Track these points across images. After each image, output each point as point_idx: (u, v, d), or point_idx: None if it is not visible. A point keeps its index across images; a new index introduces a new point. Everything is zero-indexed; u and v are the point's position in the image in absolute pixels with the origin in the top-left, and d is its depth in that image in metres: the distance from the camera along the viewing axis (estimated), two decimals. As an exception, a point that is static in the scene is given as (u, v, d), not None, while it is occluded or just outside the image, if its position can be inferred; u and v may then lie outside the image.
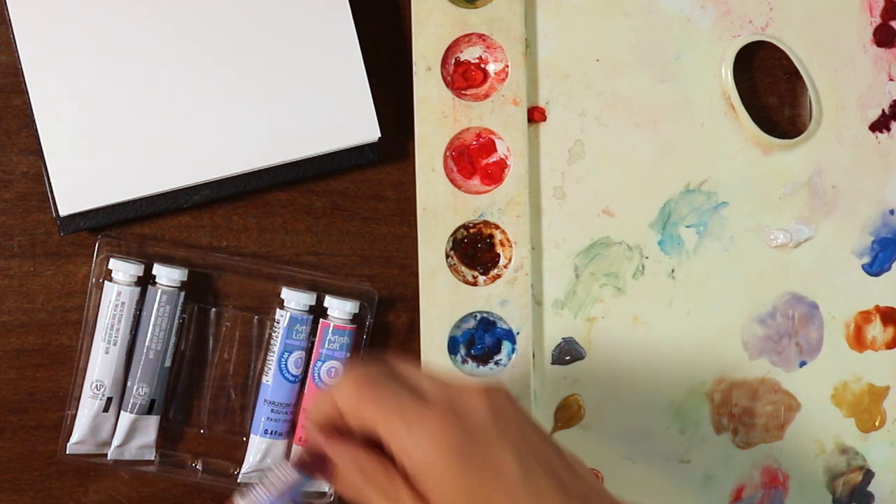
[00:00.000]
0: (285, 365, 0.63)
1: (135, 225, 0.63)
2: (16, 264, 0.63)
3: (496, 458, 0.48)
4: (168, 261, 0.62)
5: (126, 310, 0.61)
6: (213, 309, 0.64)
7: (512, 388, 0.66)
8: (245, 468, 0.63)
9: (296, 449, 0.63)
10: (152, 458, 0.63)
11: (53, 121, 0.60)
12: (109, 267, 0.61)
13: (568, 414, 0.68)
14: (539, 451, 0.50)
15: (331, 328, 0.63)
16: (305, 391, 0.64)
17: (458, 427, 0.48)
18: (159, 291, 0.61)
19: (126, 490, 0.63)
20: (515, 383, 0.66)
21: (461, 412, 0.49)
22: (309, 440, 0.51)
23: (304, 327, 0.63)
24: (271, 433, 0.63)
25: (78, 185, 0.61)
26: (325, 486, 0.64)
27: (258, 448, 0.63)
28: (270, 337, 0.64)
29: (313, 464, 0.50)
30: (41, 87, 0.60)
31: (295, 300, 0.63)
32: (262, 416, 0.63)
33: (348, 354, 0.63)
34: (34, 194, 0.63)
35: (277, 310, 0.63)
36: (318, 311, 0.64)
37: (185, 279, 0.62)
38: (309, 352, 0.64)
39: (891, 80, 0.72)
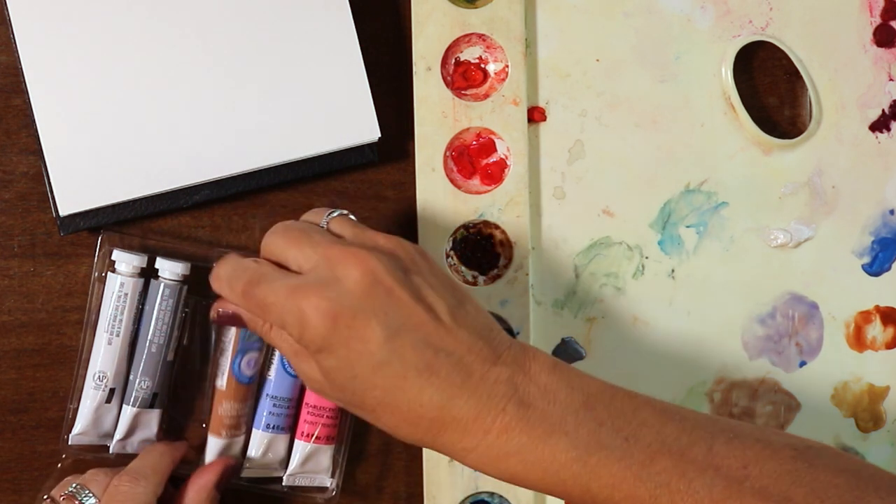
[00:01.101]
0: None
1: (135, 225, 0.63)
2: (16, 264, 0.63)
3: (364, 333, 0.50)
4: (170, 255, 0.62)
5: (129, 301, 0.61)
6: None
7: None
8: (247, 463, 0.63)
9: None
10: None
11: (53, 121, 0.60)
12: (113, 258, 0.61)
13: (568, 414, 0.68)
14: (415, 322, 0.51)
15: None
16: (306, 387, 0.63)
17: (325, 304, 0.51)
18: (162, 285, 0.61)
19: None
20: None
21: (333, 285, 0.51)
22: (222, 304, 0.56)
23: None
24: (273, 427, 0.63)
25: (78, 185, 0.61)
26: (326, 479, 0.64)
27: (260, 442, 0.63)
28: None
29: (227, 321, 0.56)
30: (41, 87, 0.60)
31: None
32: (264, 410, 0.63)
33: None
34: (34, 194, 0.63)
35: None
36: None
37: (188, 273, 0.62)
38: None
39: (891, 80, 0.72)
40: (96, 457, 0.62)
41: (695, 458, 0.50)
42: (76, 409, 0.61)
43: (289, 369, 0.63)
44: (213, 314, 0.56)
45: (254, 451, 0.63)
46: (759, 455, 0.50)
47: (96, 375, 0.61)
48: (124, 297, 0.61)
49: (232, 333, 0.62)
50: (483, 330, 0.53)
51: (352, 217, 0.57)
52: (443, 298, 0.52)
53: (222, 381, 0.62)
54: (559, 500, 0.58)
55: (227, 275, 0.55)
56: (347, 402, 0.53)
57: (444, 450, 0.52)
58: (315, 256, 0.52)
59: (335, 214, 0.56)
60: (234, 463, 0.62)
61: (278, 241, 0.54)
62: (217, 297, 0.56)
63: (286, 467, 0.64)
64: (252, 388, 0.63)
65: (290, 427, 0.64)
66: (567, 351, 0.68)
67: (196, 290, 0.63)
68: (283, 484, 0.64)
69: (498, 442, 0.51)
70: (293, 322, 0.51)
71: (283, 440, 0.63)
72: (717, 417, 0.54)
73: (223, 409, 0.62)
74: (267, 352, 0.63)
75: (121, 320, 0.61)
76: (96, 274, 0.62)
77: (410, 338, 0.51)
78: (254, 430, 0.63)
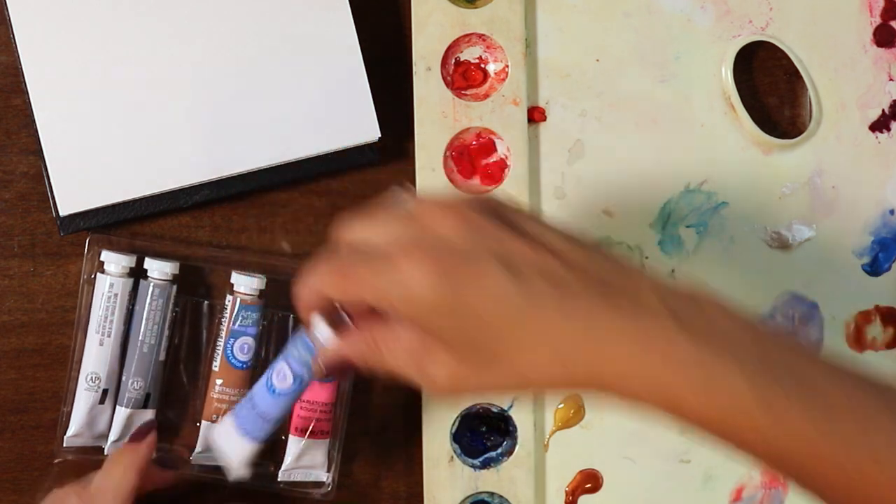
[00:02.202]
0: None
1: (135, 225, 0.63)
2: (16, 264, 0.63)
3: (477, 271, 0.45)
4: (159, 255, 0.62)
5: (119, 301, 0.61)
6: (206, 302, 0.64)
7: (512, 388, 0.66)
8: None
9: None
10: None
11: (53, 121, 0.60)
12: (101, 259, 0.61)
13: (568, 414, 0.68)
14: (529, 254, 0.46)
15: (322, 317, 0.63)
16: None
17: (428, 259, 0.46)
18: (151, 285, 0.61)
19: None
20: (515, 383, 0.66)
21: (428, 242, 0.46)
22: (324, 357, 0.51)
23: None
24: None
25: (78, 185, 0.61)
26: (322, 474, 0.64)
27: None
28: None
29: (337, 372, 0.52)
30: (41, 87, 0.60)
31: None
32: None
33: None
34: (34, 194, 0.63)
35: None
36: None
37: (177, 272, 0.62)
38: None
39: (891, 80, 0.72)
40: (91, 458, 0.62)
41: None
42: (69, 412, 0.61)
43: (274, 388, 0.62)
44: (316, 368, 0.52)
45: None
46: None
47: (88, 377, 0.61)
48: (114, 298, 0.61)
49: (225, 319, 0.62)
50: (602, 250, 0.48)
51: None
52: (547, 229, 0.48)
53: (216, 365, 0.62)
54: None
55: (318, 275, 0.49)
56: (483, 364, 0.46)
57: (601, 383, 0.45)
58: (399, 222, 0.48)
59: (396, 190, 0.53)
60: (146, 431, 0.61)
61: (354, 225, 0.49)
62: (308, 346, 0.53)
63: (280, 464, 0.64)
64: (245, 376, 0.63)
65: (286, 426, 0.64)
66: (567, 351, 0.68)
67: (186, 289, 0.63)
68: (279, 479, 0.64)
69: (663, 350, 0.44)
70: (398, 290, 0.46)
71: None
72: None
73: (215, 392, 0.62)
74: (260, 341, 0.63)
75: (111, 321, 0.61)
76: (85, 276, 0.62)
77: (531, 268, 0.46)
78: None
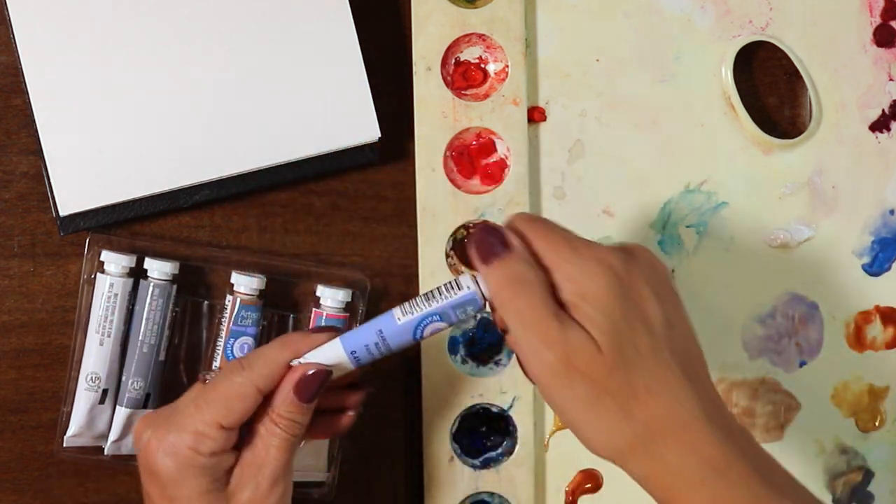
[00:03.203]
0: None
1: (135, 225, 0.63)
2: (16, 264, 0.63)
3: (648, 307, 0.50)
4: (159, 255, 0.62)
5: (119, 301, 0.61)
6: (206, 302, 0.64)
7: (512, 388, 0.66)
8: None
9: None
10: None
11: (53, 121, 0.60)
12: (101, 259, 0.61)
13: (568, 414, 0.68)
14: (682, 319, 0.51)
15: (323, 317, 0.63)
16: None
17: (624, 265, 0.50)
18: (151, 285, 0.61)
19: (125, 488, 0.63)
20: (515, 383, 0.66)
21: (627, 253, 0.51)
22: (496, 224, 0.52)
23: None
24: None
25: (78, 185, 0.61)
26: (322, 474, 0.64)
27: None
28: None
29: (489, 243, 0.50)
30: (41, 87, 0.60)
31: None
32: None
33: None
34: (34, 194, 0.63)
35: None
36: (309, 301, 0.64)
37: (177, 272, 0.62)
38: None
39: (891, 80, 0.72)
40: (91, 458, 0.62)
41: None
42: (69, 412, 0.61)
43: None
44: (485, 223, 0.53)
45: None
46: None
47: (88, 377, 0.61)
48: (114, 298, 0.61)
49: (226, 318, 0.62)
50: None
51: None
52: (692, 327, 0.53)
53: (216, 365, 0.62)
54: None
55: (530, 215, 0.53)
56: (617, 375, 0.49)
57: (675, 474, 0.49)
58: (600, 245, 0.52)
59: None
60: (320, 371, 0.54)
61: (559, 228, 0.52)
62: None
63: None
64: None
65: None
66: (567, 351, 0.68)
67: (186, 289, 0.63)
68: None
69: (739, 483, 0.49)
70: (582, 271, 0.49)
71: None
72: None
73: None
74: (260, 341, 0.63)
75: (111, 321, 0.61)
76: (85, 276, 0.62)
77: (680, 337, 0.51)
78: None
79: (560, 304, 0.49)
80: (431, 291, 0.53)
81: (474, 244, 0.50)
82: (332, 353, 0.54)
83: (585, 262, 0.49)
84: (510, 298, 0.50)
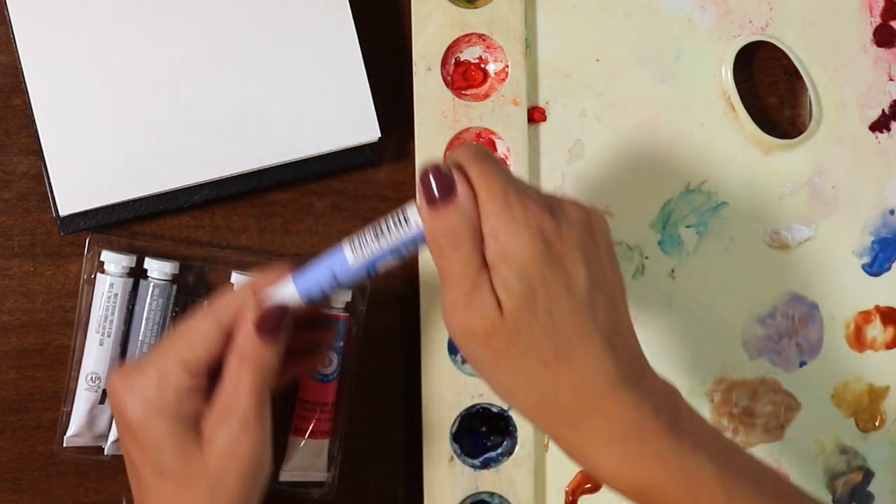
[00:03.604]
0: None
1: (135, 225, 0.63)
2: (16, 264, 0.63)
3: (573, 269, 0.49)
4: (159, 255, 0.62)
5: (119, 301, 0.61)
6: (206, 302, 0.64)
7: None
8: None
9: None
10: None
11: (53, 121, 0.60)
12: (101, 259, 0.61)
13: (568, 414, 0.68)
14: (610, 282, 0.51)
15: (323, 317, 0.63)
16: (301, 382, 0.63)
17: (555, 228, 0.49)
18: (151, 285, 0.61)
19: (125, 488, 0.63)
20: (515, 383, 0.66)
21: (561, 214, 0.50)
22: (447, 167, 0.50)
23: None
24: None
25: (78, 185, 0.61)
26: (322, 474, 0.64)
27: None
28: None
29: (434, 186, 0.49)
30: (41, 87, 0.60)
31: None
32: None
33: (342, 343, 0.63)
34: (34, 194, 0.63)
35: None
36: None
37: (177, 272, 0.62)
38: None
39: (891, 80, 0.72)
40: (91, 458, 0.62)
41: None
42: (69, 412, 0.61)
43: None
44: (434, 165, 0.50)
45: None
46: None
47: (88, 377, 0.61)
48: (114, 298, 0.61)
49: None
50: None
51: None
52: (622, 285, 0.52)
53: None
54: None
55: (476, 150, 0.51)
56: (520, 343, 0.49)
57: (583, 435, 0.50)
58: (533, 189, 0.51)
59: None
60: (275, 308, 0.53)
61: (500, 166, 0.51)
62: None
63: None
64: None
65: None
66: (567, 351, 0.68)
67: (186, 289, 0.63)
68: (279, 479, 0.64)
69: (649, 441, 0.49)
70: (509, 231, 0.48)
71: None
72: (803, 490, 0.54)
73: None
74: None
75: (111, 321, 0.61)
76: (85, 276, 0.62)
77: (604, 299, 0.50)
78: None
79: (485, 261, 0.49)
80: (380, 225, 0.52)
81: (422, 184, 0.50)
82: (288, 293, 0.53)
83: (514, 223, 0.48)
84: (438, 252, 0.50)
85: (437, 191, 0.49)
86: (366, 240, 0.52)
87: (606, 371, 0.49)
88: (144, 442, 0.52)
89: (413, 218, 0.51)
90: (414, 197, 0.51)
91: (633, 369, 0.50)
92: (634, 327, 0.52)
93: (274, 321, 0.53)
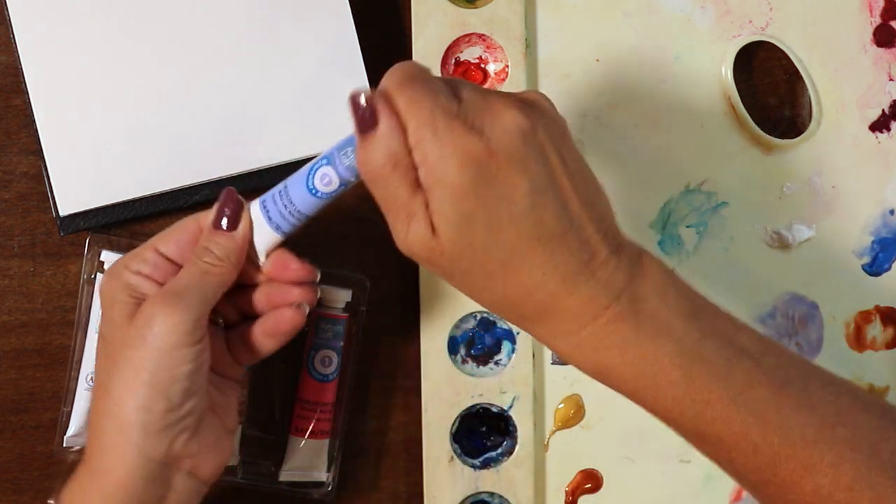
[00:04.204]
0: None
1: (135, 225, 0.63)
2: (16, 264, 0.63)
3: (510, 181, 0.48)
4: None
5: None
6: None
7: (512, 388, 0.66)
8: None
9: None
10: None
11: (53, 121, 0.60)
12: (101, 259, 0.61)
13: (568, 414, 0.68)
14: (558, 186, 0.50)
15: (323, 318, 0.63)
16: (301, 382, 0.63)
17: (482, 146, 0.48)
18: None
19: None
20: (515, 383, 0.66)
21: (490, 128, 0.49)
22: (369, 95, 0.50)
23: None
24: None
25: (78, 185, 0.61)
26: (322, 474, 0.64)
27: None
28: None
29: (361, 114, 0.49)
30: (41, 87, 0.60)
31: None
32: None
33: (342, 343, 0.63)
34: (34, 194, 0.63)
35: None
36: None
37: None
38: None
39: (891, 80, 0.72)
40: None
41: (790, 395, 0.49)
42: (69, 413, 0.61)
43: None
44: (356, 96, 0.50)
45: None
46: (852, 406, 0.50)
47: (89, 377, 0.61)
48: None
49: None
50: (607, 214, 0.51)
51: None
52: (580, 173, 0.51)
53: None
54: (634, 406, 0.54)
55: (404, 74, 0.50)
56: (462, 261, 0.49)
57: (543, 331, 0.51)
58: (470, 96, 0.50)
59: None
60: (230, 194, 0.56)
61: (424, 82, 0.50)
62: None
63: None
64: (246, 376, 0.62)
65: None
66: (567, 351, 0.68)
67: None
68: (279, 479, 0.64)
69: (604, 330, 0.49)
70: (437, 157, 0.48)
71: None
72: (810, 361, 0.52)
73: None
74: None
75: None
76: (85, 276, 0.62)
77: (552, 201, 0.49)
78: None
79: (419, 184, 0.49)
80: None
81: (351, 110, 0.50)
82: (254, 207, 0.55)
83: (441, 150, 0.48)
84: (370, 182, 0.50)
85: (358, 122, 0.49)
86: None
87: (555, 269, 0.49)
88: (103, 309, 0.55)
89: (353, 138, 0.51)
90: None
91: (590, 258, 0.49)
92: None
93: (222, 210, 0.55)
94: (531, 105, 0.50)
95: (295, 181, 0.54)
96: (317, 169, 0.53)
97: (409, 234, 0.49)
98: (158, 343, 0.51)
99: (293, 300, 0.56)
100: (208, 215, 0.55)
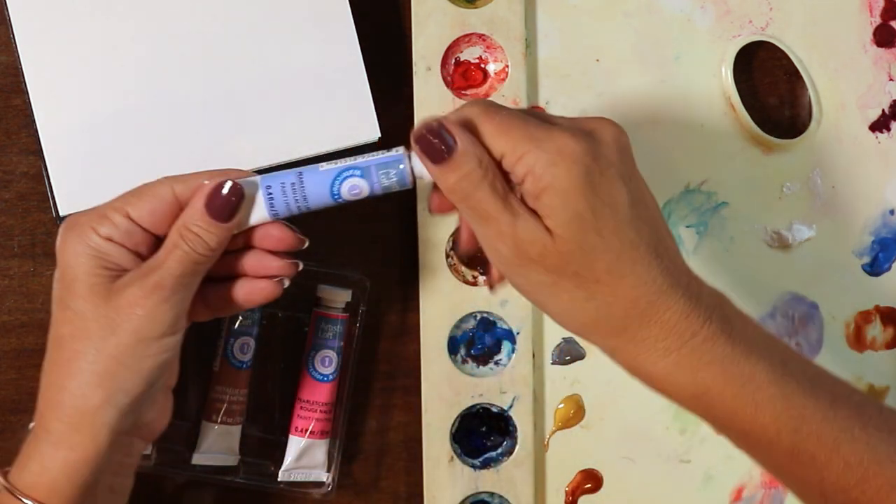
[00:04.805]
0: None
1: (135, 225, 0.63)
2: (16, 264, 0.63)
3: (615, 191, 0.50)
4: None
5: None
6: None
7: (512, 388, 0.66)
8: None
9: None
10: (148, 453, 0.62)
11: (53, 121, 0.60)
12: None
13: (568, 414, 0.68)
14: (648, 202, 0.52)
15: (323, 317, 0.63)
16: (301, 382, 0.63)
17: (589, 149, 0.50)
18: None
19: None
20: (515, 383, 0.66)
21: (593, 136, 0.51)
22: (441, 122, 0.50)
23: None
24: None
25: (78, 185, 0.61)
26: (322, 474, 0.64)
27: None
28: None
29: (435, 144, 0.50)
30: (41, 87, 0.60)
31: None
32: None
33: (342, 343, 0.63)
34: (34, 194, 0.63)
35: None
36: (309, 301, 0.64)
37: None
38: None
39: (891, 80, 0.72)
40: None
41: (871, 415, 0.50)
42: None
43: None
44: (419, 132, 0.50)
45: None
46: None
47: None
48: None
49: (225, 319, 0.62)
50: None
51: None
52: (652, 195, 0.53)
53: (215, 365, 0.62)
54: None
55: (483, 105, 0.51)
56: (572, 263, 0.50)
57: (639, 348, 0.51)
58: (556, 116, 0.52)
59: None
60: (224, 185, 0.52)
61: (513, 112, 0.52)
62: None
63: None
64: (245, 376, 0.63)
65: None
66: (568, 350, 0.68)
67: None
68: (279, 479, 0.64)
69: (703, 347, 0.50)
70: (544, 164, 0.49)
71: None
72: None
73: (215, 392, 0.62)
74: (260, 341, 0.63)
75: None
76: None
77: (646, 213, 0.51)
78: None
79: (515, 190, 0.50)
80: (363, 154, 0.53)
81: (420, 146, 0.50)
82: (251, 187, 0.53)
83: (547, 155, 0.49)
84: (462, 198, 0.50)
85: (434, 154, 0.50)
86: (344, 159, 0.53)
87: (655, 279, 0.50)
88: (64, 275, 0.51)
89: (396, 150, 0.52)
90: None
91: (680, 276, 0.51)
92: None
93: (224, 201, 0.52)
94: (617, 124, 0.52)
95: (315, 181, 0.53)
96: (347, 178, 0.53)
97: (518, 233, 0.50)
98: (142, 334, 0.51)
99: (271, 272, 0.55)
100: (186, 182, 0.52)
